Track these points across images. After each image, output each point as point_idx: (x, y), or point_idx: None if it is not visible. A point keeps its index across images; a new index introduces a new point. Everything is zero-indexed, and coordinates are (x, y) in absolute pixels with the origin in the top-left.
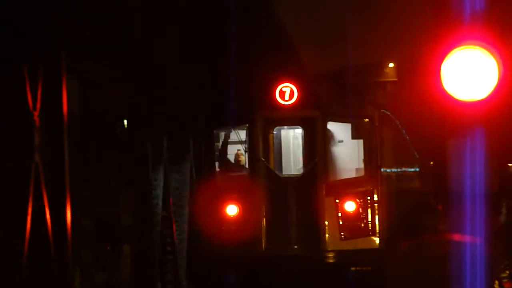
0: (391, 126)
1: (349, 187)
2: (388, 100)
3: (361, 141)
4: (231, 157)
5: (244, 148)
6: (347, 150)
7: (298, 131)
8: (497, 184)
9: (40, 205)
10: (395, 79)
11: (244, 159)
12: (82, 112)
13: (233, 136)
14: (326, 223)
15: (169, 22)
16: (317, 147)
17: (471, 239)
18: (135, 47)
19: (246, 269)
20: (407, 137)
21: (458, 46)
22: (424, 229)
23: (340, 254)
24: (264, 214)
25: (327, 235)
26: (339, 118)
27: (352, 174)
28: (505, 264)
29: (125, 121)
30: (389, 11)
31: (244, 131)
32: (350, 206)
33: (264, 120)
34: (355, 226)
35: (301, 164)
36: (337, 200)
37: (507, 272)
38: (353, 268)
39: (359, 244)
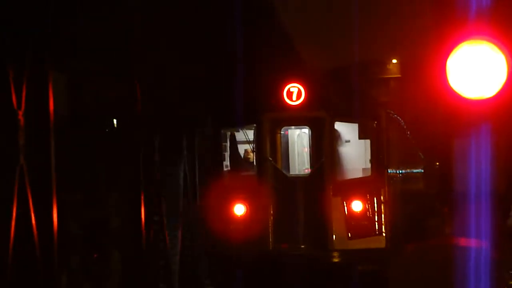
0: (396, 126)
1: (356, 187)
2: (392, 97)
3: (368, 141)
4: (238, 157)
5: (251, 148)
6: (354, 150)
7: (302, 132)
8: (505, 185)
9: (25, 209)
10: (399, 75)
11: (253, 156)
12: (70, 111)
13: (240, 136)
14: (333, 222)
15: (173, 22)
16: (324, 147)
17: (476, 242)
18: (133, 46)
19: (254, 268)
20: (412, 137)
21: (464, 41)
22: (429, 231)
23: (346, 253)
24: (272, 213)
25: (334, 235)
26: (346, 119)
27: (359, 174)
28: None
29: (115, 121)
30: (393, 6)
31: (252, 131)
32: (357, 205)
33: (271, 120)
34: (361, 226)
35: (305, 165)
36: (344, 200)
37: None
38: (359, 268)
39: (366, 243)
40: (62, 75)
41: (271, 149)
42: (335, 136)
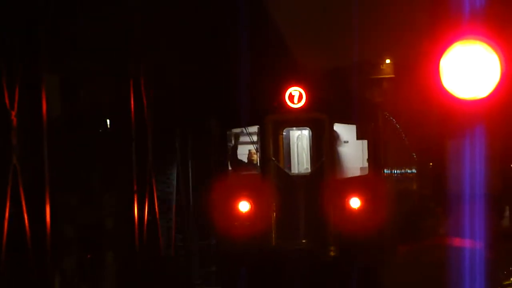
0: (390, 127)
1: (354, 185)
2: (385, 98)
3: (365, 142)
4: (242, 157)
5: (255, 149)
6: (352, 150)
7: (299, 134)
8: (500, 186)
9: (18, 209)
10: (393, 75)
11: (256, 157)
12: (64, 111)
13: (245, 137)
14: (332, 218)
15: (178, 28)
16: (324, 147)
17: (470, 243)
18: (133, 47)
19: (257, 262)
20: (405, 138)
21: (457, 41)
22: (424, 231)
23: (345, 248)
24: (275, 210)
25: (333, 230)
26: (345, 120)
27: (357, 173)
28: (508, 270)
29: (108, 121)
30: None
31: (255, 132)
32: (355, 202)
33: (274, 122)
34: (359, 222)
35: (305, 165)
36: (342, 197)
37: (511, 278)
38: (357, 262)
39: (363, 239)
40: (56, 76)
41: (274, 149)
42: (334, 137)
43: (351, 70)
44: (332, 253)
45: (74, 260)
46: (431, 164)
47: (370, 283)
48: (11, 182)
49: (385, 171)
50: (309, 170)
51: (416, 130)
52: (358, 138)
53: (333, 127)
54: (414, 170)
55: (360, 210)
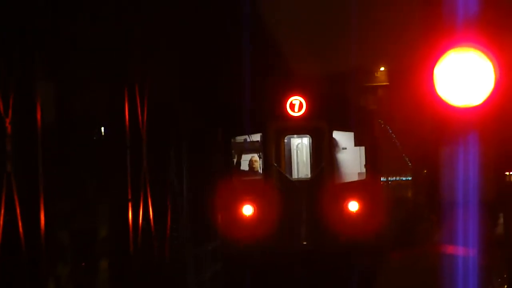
0: (385, 135)
1: (352, 189)
2: (380, 105)
3: (362, 148)
4: (244, 163)
5: (257, 156)
6: (350, 156)
7: (300, 141)
8: (494, 193)
9: (12, 217)
10: (387, 83)
11: (258, 165)
12: (58, 118)
13: (247, 144)
14: (332, 221)
15: (175, 33)
16: (324, 154)
17: (464, 250)
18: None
19: (260, 264)
20: (400, 145)
21: (451, 48)
22: (417, 238)
23: (344, 249)
24: (277, 213)
25: (332, 232)
26: (343, 128)
27: (355, 178)
28: (502, 277)
29: (102, 128)
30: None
31: (258, 140)
32: (353, 206)
33: (276, 129)
34: (358, 224)
35: (305, 170)
36: (341, 201)
37: (506, 286)
38: (355, 263)
39: (361, 241)
40: (50, 83)
41: (276, 155)
42: (333, 144)
43: (345, 77)
44: (331, 254)
45: (68, 268)
46: (425, 171)
47: (368, 283)
48: (5, 189)
49: (381, 178)
50: (310, 175)
51: (410, 138)
52: (356, 144)
53: (332, 135)
54: (409, 178)
55: (358, 213)
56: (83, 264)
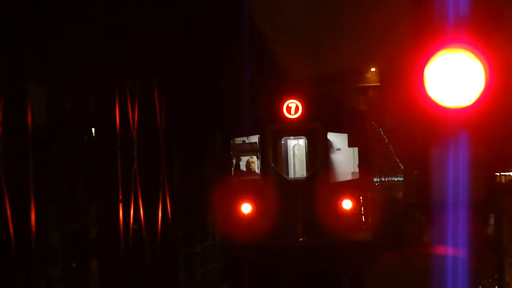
0: (377, 136)
1: (346, 188)
2: (370, 106)
3: (356, 149)
4: (242, 164)
5: (256, 156)
6: (344, 157)
7: (296, 142)
8: (484, 194)
9: (3, 218)
10: (378, 84)
11: (255, 166)
12: (49, 120)
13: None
14: (327, 218)
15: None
16: (319, 154)
17: (454, 251)
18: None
19: (258, 258)
20: (391, 147)
21: (442, 49)
22: (408, 239)
23: (338, 244)
24: (274, 211)
25: (327, 229)
26: (338, 130)
27: (349, 177)
28: (493, 278)
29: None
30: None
31: (256, 141)
32: (347, 204)
33: (273, 131)
34: (351, 221)
35: (301, 170)
36: (336, 199)
37: (496, 287)
38: (348, 257)
39: (355, 236)
40: (41, 86)
41: (273, 156)
42: (327, 145)
43: (336, 78)
44: (326, 250)
45: (59, 268)
46: (415, 172)
47: (360, 277)
48: None
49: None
50: (305, 175)
51: (401, 138)
52: (349, 145)
53: (326, 136)
54: (400, 178)
55: (351, 211)
56: (74, 264)
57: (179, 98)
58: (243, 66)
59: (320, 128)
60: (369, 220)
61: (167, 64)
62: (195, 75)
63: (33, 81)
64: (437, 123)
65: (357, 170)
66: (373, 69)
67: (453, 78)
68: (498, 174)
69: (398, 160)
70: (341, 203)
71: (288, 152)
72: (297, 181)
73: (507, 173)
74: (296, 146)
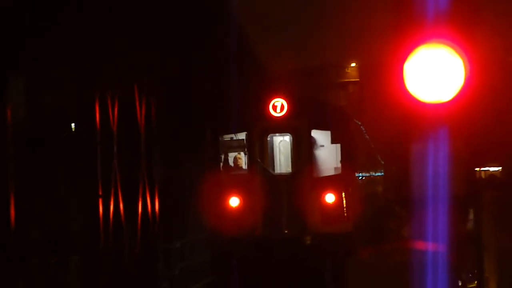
0: (359, 133)
1: (329, 183)
2: (350, 101)
3: (338, 145)
4: (229, 160)
5: (243, 153)
6: (327, 153)
7: (282, 139)
8: (464, 189)
9: None
10: (357, 79)
11: (242, 162)
12: (29, 115)
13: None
14: (311, 211)
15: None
16: (303, 151)
17: (433, 246)
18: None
19: (246, 250)
20: (371, 142)
21: (421, 44)
22: (388, 234)
23: (321, 236)
24: (261, 204)
25: (311, 221)
26: (321, 127)
27: (332, 172)
28: (473, 273)
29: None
30: (352, 11)
31: (243, 138)
32: (330, 198)
33: (260, 128)
34: (333, 214)
35: (287, 165)
36: (319, 193)
37: (475, 282)
38: (329, 248)
39: (337, 228)
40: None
41: (260, 152)
42: (312, 141)
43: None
44: (310, 241)
45: (39, 264)
46: (394, 167)
47: (342, 269)
48: None
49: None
50: (290, 170)
51: (381, 134)
52: (332, 142)
53: (310, 133)
54: (379, 173)
55: (334, 204)
56: (54, 259)
57: (162, 94)
58: (230, 64)
59: (305, 126)
60: (351, 213)
61: (152, 60)
62: (181, 71)
63: (13, 75)
64: (416, 118)
65: (339, 165)
66: (353, 64)
67: (433, 73)
68: (477, 169)
69: (378, 155)
70: (324, 196)
71: (274, 149)
72: (282, 176)
73: (486, 168)
74: (282, 143)
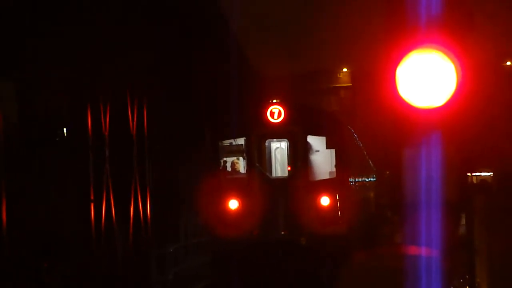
0: (352, 138)
1: (324, 186)
2: (342, 106)
3: (333, 151)
4: (227, 165)
5: (241, 158)
6: (322, 158)
7: (279, 144)
8: (456, 194)
9: None
10: (349, 84)
11: (239, 166)
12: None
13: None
14: (306, 214)
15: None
16: (299, 155)
17: (426, 251)
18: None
19: (244, 251)
20: (364, 148)
21: (414, 50)
22: (381, 239)
23: (317, 237)
24: (258, 207)
25: (307, 223)
26: (317, 133)
27: (327, 176)
28: (464, 278)
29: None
30: (344, 16)
31: (242, 143)
32: (325, 200)
33: (258, 134)
34: (328, 216)
35: (284, 170)
36: (315, 196)
37: (467, 287)
38: (326, 250)
39: (331, 230)
40: (11, 84)
41: (258, 157)
42: (308, 147)
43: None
44: (305, 243)
45: (31, 268)
46: (387, 172)
47: (336, 271)
48: None
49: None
50: (287, 174)
51: (373, 139)
52: (327, 147)
53: (306, 139)
54: (372, 179)
55: (329, 207)
56: (45, 264)
57: (155, 97)
58: (229, 70)
59: (301, 132)
60: (345, 216)
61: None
62: (177, 73)
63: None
64: (409, 123)
65: (334, 170)
66: (345, 70)
67: (425, 78)
68: (469, 174)
69: (370, 160)
70: (319, 199)
71: (272, 154)
72: (279, 180)
73: (478, 174)
74: (279, 148)
